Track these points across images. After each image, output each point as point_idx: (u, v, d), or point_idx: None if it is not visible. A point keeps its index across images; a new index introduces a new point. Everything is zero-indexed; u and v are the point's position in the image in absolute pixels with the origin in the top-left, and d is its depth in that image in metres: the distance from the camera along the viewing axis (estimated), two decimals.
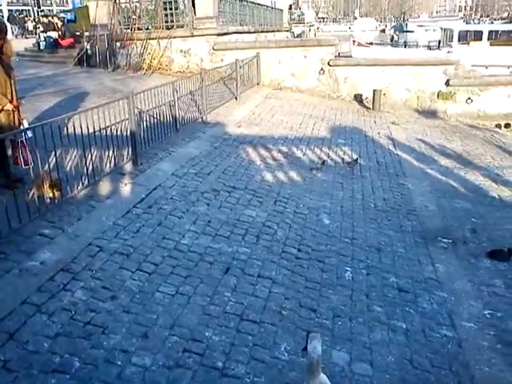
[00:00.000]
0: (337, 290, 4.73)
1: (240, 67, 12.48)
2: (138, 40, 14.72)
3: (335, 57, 16.01)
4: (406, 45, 38.58)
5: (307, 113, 12.15)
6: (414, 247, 6.01)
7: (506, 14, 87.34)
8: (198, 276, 4.45)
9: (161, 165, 6.91)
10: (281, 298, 4.39)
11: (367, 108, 14.17)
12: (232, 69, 12.19)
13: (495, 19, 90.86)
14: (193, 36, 14.94)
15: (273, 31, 24.15)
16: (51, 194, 4.97)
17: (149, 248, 4.72)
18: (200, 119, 9.65)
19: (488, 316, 4.74)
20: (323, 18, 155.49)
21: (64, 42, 16.77)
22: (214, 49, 14.94)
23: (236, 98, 11.96)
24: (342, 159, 8.84)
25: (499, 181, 9.13)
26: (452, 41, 35.31)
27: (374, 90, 14.18)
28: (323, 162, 8.23)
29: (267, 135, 9.52)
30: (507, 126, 14.60)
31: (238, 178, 7.07)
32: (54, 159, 5.13)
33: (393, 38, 44.17)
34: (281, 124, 10.59)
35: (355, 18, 60.94)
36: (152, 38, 14.73)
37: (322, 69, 14.88)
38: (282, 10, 30.54)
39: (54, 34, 17.10)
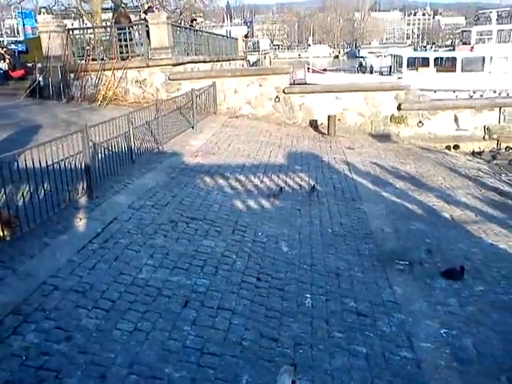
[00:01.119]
0: (297, 318, 4.74)
1: (196, 96, 12.56)
2: (92, 71, 14.64)
3: (290, 84, 16.36)
4: (372, 71, 39.46)
5: (264, 140, 12.29)
6: (371, 271, 6.10)
7: (449, 42, 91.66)
8: (157, 311, 4.38)
9: (117, 197, 6.83)
10: (241, 329, 4.36)
11: (323, 133, 14.44)
12: (188, 98, 12.25)
13: (440, 46, 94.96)
14: (148, 66, 14.97)
15: (228, 60, 24.50)
16: (1, 233, 4.82)
17: (105, 284, 4.63)
18: (156, 149, 9.62)
19: (444, 335, 4.86)
20: (278, 46, 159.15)
21: (15, 74, 16.48)
22: (169, 79, 15.00)
23: (193, 128, 12.00)
24: (300, 185, 8.95)
25: (451, 201, 9.43)
26: (402, 67, 36.67)
27: (329, 116, 14.49)
28: (281, 189, 8.32)
29: (224, 164, 9.57)
30: (456, 147, 15.19)
31: (196, 208, 7.06)
32: (5, 196, 5.01)
33: (361, 63, 44.42)
34: (238, 152, 10.66)
35: (309, 45, 62.63)
36: (107, 69, 14.67)
37: (277, 96, 15.14)
38: (236, 39, 31.06)
39: (3, 66, 16.77)
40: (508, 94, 27.59)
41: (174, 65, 15.22)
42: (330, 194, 8.79)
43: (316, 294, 5.26)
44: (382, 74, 38.32)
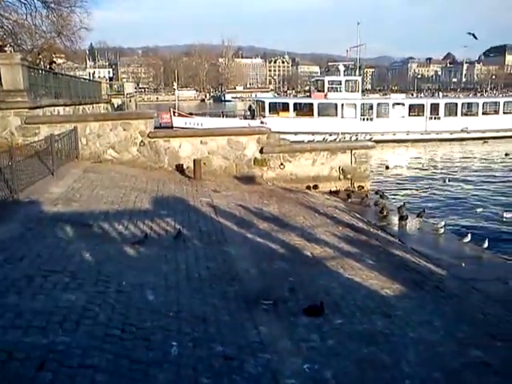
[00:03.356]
0: (163, 368, 4.64)
1: (56, 141, 12.07)
2: None
3: (155, 128, 16.41)
4: (261, 116, 40.01)
5: (129, 185, 12.08)
6: (238, 313, 6.20)
7: (307, 88, 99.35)
8: (5, 378, 4.00)
9: None
10: None
11: (189, 177, 14.60)
12: (47, 143, 11.73)
13: (299, 92, 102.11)
14: (0, 109, 14.09)
15: (91, 103, 23.99)
16: None
17: None
18: (11, 198, 9.00)
19: (307, 370, 5.06)
20: (144, 89, 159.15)
21: None
22: (26, 123, 14.24)
23: (52, 174, 11.45)
24: (166, 230, 8.90)
25: (312, 239, 9.96)
26: (264, 111, 38.70)
27: (195, 160, 14.73)
28: (146, 236, 8.21)
29: (87, 211, 9.23)
30: (315, 187, 16.23)
31: (55, 260, 6.67)
32: None
33: (250, 107, 44.58)
34: (101, 199, 10.35)
35: (174, 89, 63.52)
36: None
37: (142, 141, 15.10)
38: (100, 82, 30.54)
39: None
40: (357, 138, 30.36)
41: (30, 108, 14.52)
42: (196, 237, 8.85)
43: (183, 341, 5.20)
44: (245, 117, 40.05)
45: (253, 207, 11.85)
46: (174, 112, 38.10)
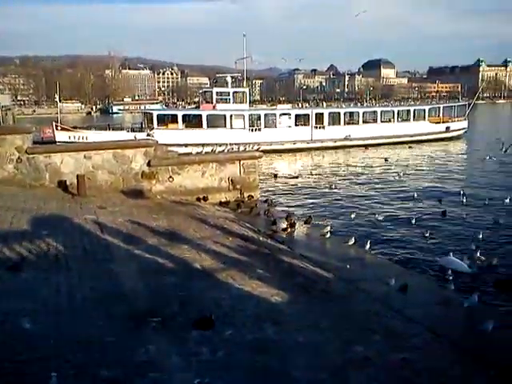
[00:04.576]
0: None
1: None
2: None
3: (36, 143, 15.50)
4: (148, 128, 38.35)
5: (4, 206, 11.26)
6: (124, 333, 5.98)
7: (197, 99, 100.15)
8: None
9: None
10: None
11: (73, 194, 13.92)
12: None
13: (189, 103, 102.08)
14: None
15: None
16: None
17: None
18: None
19: None
20: (24, 101, 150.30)
21: None
22: None
23: None
24: (46, 252, 8.40)
25: (202, 251, 9.89)
26: (153, 123, 38.16)
27: (78, 176, 14.09)
28: (23, 258, 7.69)
29: None
30: (205, 199, 16.19)
31: None
32: None
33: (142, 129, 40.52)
34: None
35: (57, 102, 60.53)
36: None
37: (19, 157, 14.17)
38: None
39: None
40: (246, 149, 30.95)
41: None
42: (79, 257, 8.44)
43: (64, 370, 4.90)
44: (133, 130, 39.18)
45: (141, 222, 11.54)
46: (56, 126, 36.35)
